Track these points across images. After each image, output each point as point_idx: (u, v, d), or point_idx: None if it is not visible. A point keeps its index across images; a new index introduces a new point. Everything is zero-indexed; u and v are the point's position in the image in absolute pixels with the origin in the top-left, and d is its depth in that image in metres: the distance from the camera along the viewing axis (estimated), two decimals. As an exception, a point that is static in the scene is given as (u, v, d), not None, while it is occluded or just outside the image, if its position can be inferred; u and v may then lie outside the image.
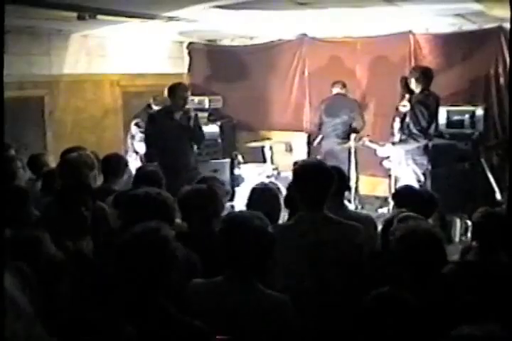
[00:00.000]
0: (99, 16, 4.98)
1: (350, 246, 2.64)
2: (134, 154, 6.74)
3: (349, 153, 6.57)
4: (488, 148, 6.10)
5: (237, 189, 6.59)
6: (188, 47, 8.31)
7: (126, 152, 6.82)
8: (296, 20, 6.08)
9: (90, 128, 6.79)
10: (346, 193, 3.69)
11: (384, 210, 6.41)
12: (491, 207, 3.10)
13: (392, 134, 6.05)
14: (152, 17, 5.40)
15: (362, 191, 6.95)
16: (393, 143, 5.54)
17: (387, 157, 6.03)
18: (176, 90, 5.42)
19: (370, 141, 6.12)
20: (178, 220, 3.06)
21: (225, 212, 3.22)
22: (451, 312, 2.20)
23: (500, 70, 6.39)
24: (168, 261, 1.96)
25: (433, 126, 5.36)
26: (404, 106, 5.62)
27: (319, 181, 2.66)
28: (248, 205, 3.32)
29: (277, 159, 7.15)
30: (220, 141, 7.42)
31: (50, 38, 6.29)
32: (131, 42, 7.25)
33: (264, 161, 6.82)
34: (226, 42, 8.22)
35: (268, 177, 6.53)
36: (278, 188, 3.83)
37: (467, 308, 2.27)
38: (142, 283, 1.93)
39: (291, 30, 7.30)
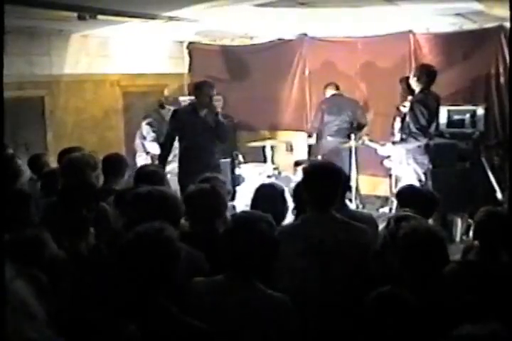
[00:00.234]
0: (99, 16, 4.98)
1: (357, 246, 2.65)
2: (145, 154, 6.70)
3: (350, 152, 6.57)
4: (488, 148, 6.10)
5: (237, 189, 6.58)
6: (188, 47, 8.31)
7: (135, 152, 6.78)
8: (296, 20, 6.08)
9: (91, 129, 6.78)
10: (347, 193, 3.68)
11: (385, 210, 6.42)
12: (492, 207, 3.09)
13: (393, 134, 6.06)
14: (152, 17, 5.40)
15: (363, 191, 6.96)
16: (394, 143, 5.53)
17: (388, 156, 6.03)
18: (203, 87, 5.38)
19: (371, 140, 6.12)
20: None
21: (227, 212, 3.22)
22: (451, 312, 2.20)
23: (501, 69, 6.38)
24: (170, 262, 1.96)
25: (433, 126, 5.35)
26: (405, 107, 5.62)
27: (328, 182, 2.67)
28: (253, 203, 3.31)
29: (278, 159, 7.15)
30: (220, 140, 7.41)
31: (50, 38, 6.30)
32: (132, 43, 7.26)
33: (265, 161, 6.82)
34: (226, 42, 8.22)
35: (269, 177, 6.52)
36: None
37: (468, 308, 2.27)
38: (144, 282, 1.93)
39: (291, 30, 7.30)
